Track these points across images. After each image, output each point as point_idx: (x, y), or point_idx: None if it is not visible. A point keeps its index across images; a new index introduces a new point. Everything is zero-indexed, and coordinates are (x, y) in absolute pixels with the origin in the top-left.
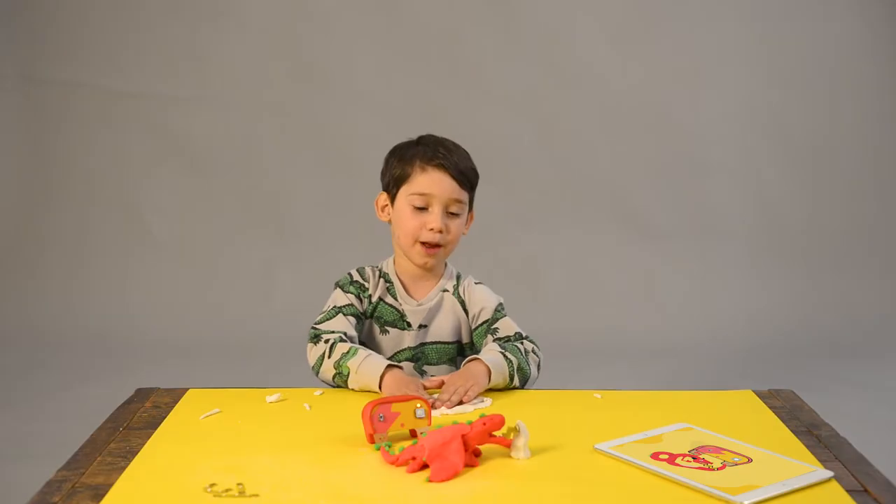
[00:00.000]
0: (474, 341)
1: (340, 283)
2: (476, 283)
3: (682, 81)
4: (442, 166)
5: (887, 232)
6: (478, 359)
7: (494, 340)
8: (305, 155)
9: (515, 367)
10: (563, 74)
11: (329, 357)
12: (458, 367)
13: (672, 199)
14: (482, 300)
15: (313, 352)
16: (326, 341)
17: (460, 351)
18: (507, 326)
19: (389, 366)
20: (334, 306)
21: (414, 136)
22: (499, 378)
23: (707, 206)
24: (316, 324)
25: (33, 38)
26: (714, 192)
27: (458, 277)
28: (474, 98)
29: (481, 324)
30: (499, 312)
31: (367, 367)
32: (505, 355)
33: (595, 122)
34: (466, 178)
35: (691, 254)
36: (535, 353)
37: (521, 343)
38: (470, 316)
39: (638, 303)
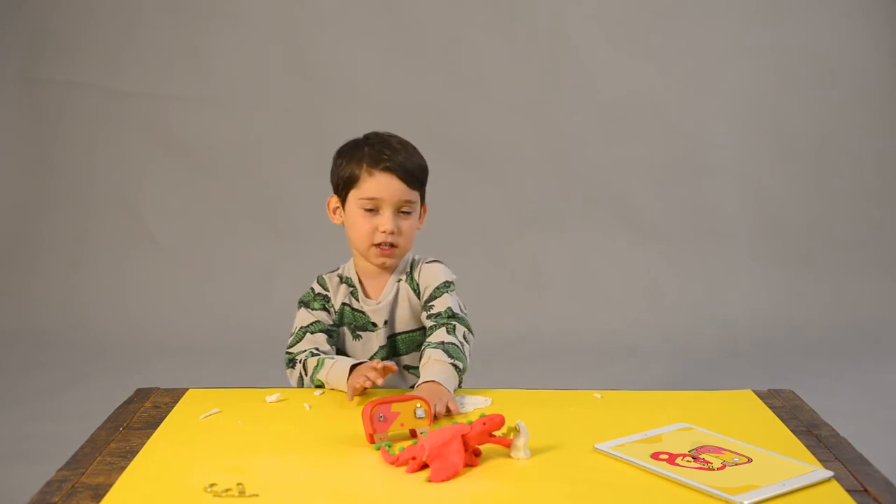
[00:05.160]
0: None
1: (305, 301)
2: (429, 262)
3: (682, 81)
4: (389, 169)
5: (888, 232)
6: (435, 382)
7: (427, 318)
8: (305, 155)
9: (462, 370)
10: (563, 74)
11: (307, 375)
12: None
13: (672, 200)
14: (429, 278)
15: (293, 376)
16: (300, 361)
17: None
18: (440, 303)
19: (352, 367)
20: (300, 327)
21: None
22: (452, 390)
23: (707, 207)
24: (288, 348)
25: (33, 38)
26: (714, 193)
27: (413, 263)
28: (475, 98)
29: (423, 302)
30: (439, 290)
31: (333, 376)
32: (454, 365)
33: (595, 123)
34: (415, 177)
35: (691, 254)
36: (466, 338)
37: (454, 330)
38: (420, 297)
39: (638, 303)
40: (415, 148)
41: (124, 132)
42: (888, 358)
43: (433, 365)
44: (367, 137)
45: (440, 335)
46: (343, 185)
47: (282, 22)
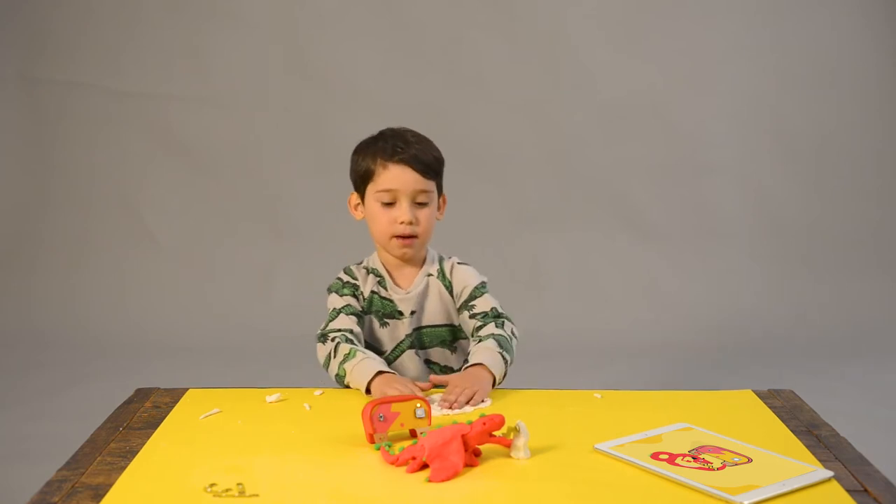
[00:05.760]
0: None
1: (334, 288)
2: (460, 264)
3: (682, 81)
4: (403, 161)
5: (888, 232)
6: (482, 365)
7: (471, 317)
8: (305, 155)
9: (509, 364)
10: (563, 74)
11: (335, 357)
12: (452, 351)
13: (672, 200)
14: (465, 279)
15: (321, 351)
16: (332, 340)
17: (453, 334)
18: (483, 303)
19: (379, 372)
20: (334, 308)
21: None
22: (497, 379)
23: (707, 207)
24: (322, 328)
25: (33, 38)
26: (714, 193)
27: (441, 260)
28: (475, 98)
29: (462, 302)
30: (478, 290)
31: (358, 371)
32: (503, 355)
33: (595, 123)
34: (429, 167)
35: (691, 254)
36: (514, 334)
37: (503, 325)
38: (454, 296)
39: (638, 303)
40: (430, 140)
41: (124, 132)
42: (888, 358)
43: (483, 352)
44: (382, 133)
45: (489, 328)
46: (360, 181)
47: (282, 22)
